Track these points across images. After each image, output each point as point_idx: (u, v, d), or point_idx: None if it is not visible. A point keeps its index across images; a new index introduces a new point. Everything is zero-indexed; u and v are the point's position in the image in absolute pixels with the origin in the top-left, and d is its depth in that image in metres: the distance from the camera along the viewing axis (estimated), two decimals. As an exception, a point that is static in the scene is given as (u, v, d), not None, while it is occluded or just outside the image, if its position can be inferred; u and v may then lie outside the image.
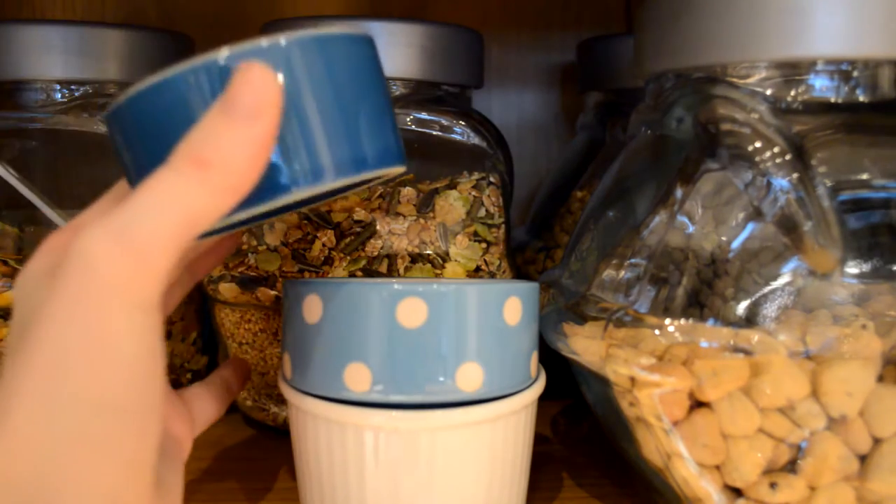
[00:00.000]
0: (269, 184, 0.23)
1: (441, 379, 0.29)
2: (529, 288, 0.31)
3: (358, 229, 0.40)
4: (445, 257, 0.41)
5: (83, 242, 0.21)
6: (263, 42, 0.23)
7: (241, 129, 0.21)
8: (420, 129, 0.43)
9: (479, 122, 0.45)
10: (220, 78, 0.22)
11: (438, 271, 0.40)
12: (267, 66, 0.22)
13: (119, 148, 0.25)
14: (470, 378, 0.29)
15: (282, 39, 0.23)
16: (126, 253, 0.21)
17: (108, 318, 0.21)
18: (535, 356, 0.32)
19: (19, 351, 0.21)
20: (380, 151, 0.26)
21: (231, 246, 0.32)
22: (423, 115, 0.43)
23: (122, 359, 0.21)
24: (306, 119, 0.24)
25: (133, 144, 0.24)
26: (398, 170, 0.27)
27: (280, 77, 0.23)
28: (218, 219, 0.22)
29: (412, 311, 0.28)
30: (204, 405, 0.31)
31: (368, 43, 0.26)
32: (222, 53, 0.23)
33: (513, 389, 0.30)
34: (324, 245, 0.40)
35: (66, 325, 0.21)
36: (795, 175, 0.28)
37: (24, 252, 0.40)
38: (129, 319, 0.21)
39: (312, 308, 0.29)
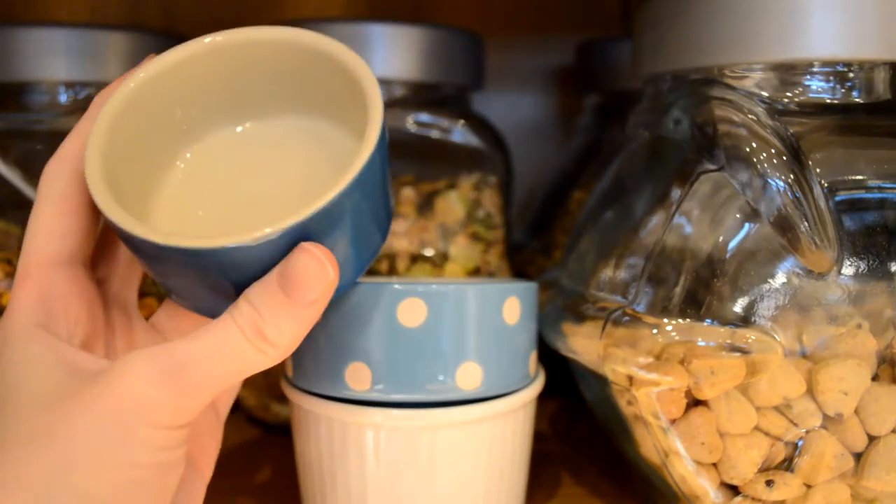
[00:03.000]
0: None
1: (441, 378, 0.29)
2: (528, 288, 0.31)
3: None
4: (445, 257, 0.41)
5: (135, 365, 0.22)
6: (312, 211, 0.23)
7: (298, 313, 0.23)
8: (420, 131, 0.43)
9: (479, 124, 0.46)
10: (281, 244, 0.23)
11: (438, 271, 0.41)
12: (323, 252, 0.23)
13: (167, 273, 0.25)
14: (469, 377, 0.29)
15: (327, 198, 0.23)
16: (173, 389, 0.22)
17: (134, 433, 0.22)
18: (534, 355, 0.32)
19: (33, 433, 0.22)
20: (386, 231, 0.27)
21: None
22: (423, 117, 0.43)
23: (138, 468, 0.22)
24: (351, 245, 0.25)
25: (190, 279, 0.25)
26: None
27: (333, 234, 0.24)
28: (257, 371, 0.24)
29: (412, 310, 0.29)
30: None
31: (383, 135, 0.25)
32: (287, 225, 0.23)
33: (512, 388, 0.31)
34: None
35: (89, 427, 0.22)
36: (792, 176, 0.29)
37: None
38: (156, 436, 0.22)
39: None
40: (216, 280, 0.24)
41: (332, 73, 0.26)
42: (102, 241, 0.28)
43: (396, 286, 0.29)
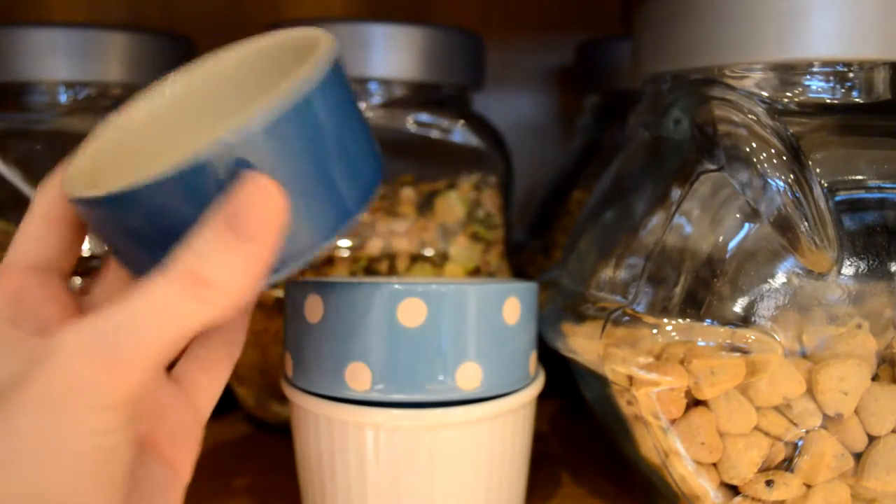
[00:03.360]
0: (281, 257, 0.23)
1: (441, 378, 0.29)
2: (528, 288, 0.31)
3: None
4: (445, 257, 0.41)
5: (63, 340, 0.20)
6: (247, 131, 0.21)
7: (242, 251, 0.21)
8: (420, 131, 0.43)
9: (479, 124, 0.46)
10: (221, 175, 0.21)
11: (438, 271, 0.41)
12: (269, 181, 0.21)
13: (106, 232, 0.24)
14: (469, 377, 0.29)
15: (258, 124, 0.21)
16: (104, 361, 0.20)
17: (69, 419, 0.20)
18: (534, 355, 0.32)
19: None
20: (374, 179, 0.25)
21: None
22: (423, 117, 0.43)
23: (78, 456, 0.20)
24: (309, 186, 0.23)
25: (126, 234, 0.23)
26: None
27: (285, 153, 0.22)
28: (205, 328, 0.21)
29: (412, 311, 0.29)
30: (208, 370, 0.28)
31: (339, 66, 0.24)
32: (218, 150, 0.21)
33: (511, 388, 0.31)
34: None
35: (22, 420, 0.20)
36: (792, 176, 0.29)
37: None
38: (93, 420, 0.20)
39: (314, 308, 0.30)
40: (159, 234, 0.22)
41: (298, 56, 0.25)
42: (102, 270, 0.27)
43: (396, 286, 0.29)
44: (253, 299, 0.30)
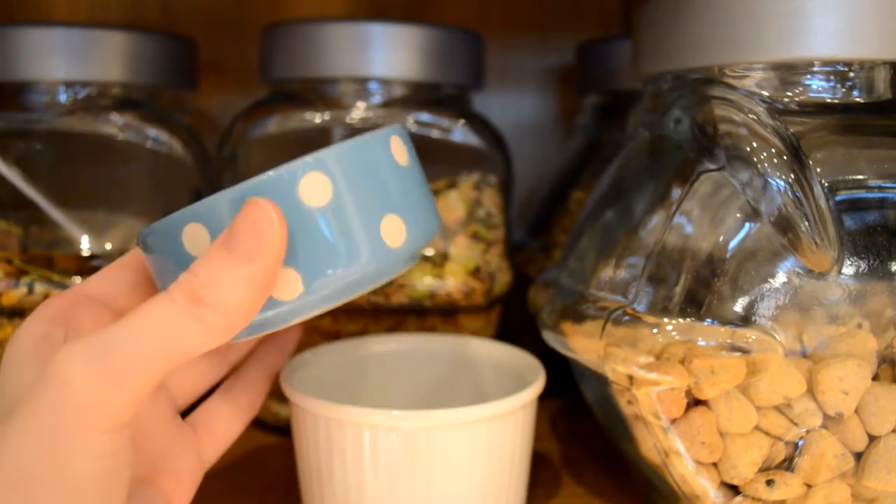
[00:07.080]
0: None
1: (368, 240, 0.25)
2: (398, 127, 0.28)
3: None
4: (445, 257, 0.41)
5: (62, 359, 0.20)
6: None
7: (238, 269, 0.21)
8: (420, 131, 0.43)
9: (479, 124, 0.46)
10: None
11: (438, 271, 0.41)
12: (270, 202, 0.21)
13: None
14: (394, 232, 0.26)
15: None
16: (102, 376, 0.20)
17: (73, 440, 0.20)
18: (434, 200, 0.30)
19: None
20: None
21: (294, 337, 0.32)
22: (424, 117, 0.43)
23: (80, 480, 0.20)
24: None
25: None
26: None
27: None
28: (206, 350, 0.22)
29: (315, 188, 0.24)
30: (224, 423, 0.30)
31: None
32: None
33: (432, 234, 0.28)
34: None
35: (29, 440, 0.20)
36: (792, 175, 0.29)
37: (28, 251, 0.40)
38: (94, 442, 0.20)
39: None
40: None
41: None
42: None
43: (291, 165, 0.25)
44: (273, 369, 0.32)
